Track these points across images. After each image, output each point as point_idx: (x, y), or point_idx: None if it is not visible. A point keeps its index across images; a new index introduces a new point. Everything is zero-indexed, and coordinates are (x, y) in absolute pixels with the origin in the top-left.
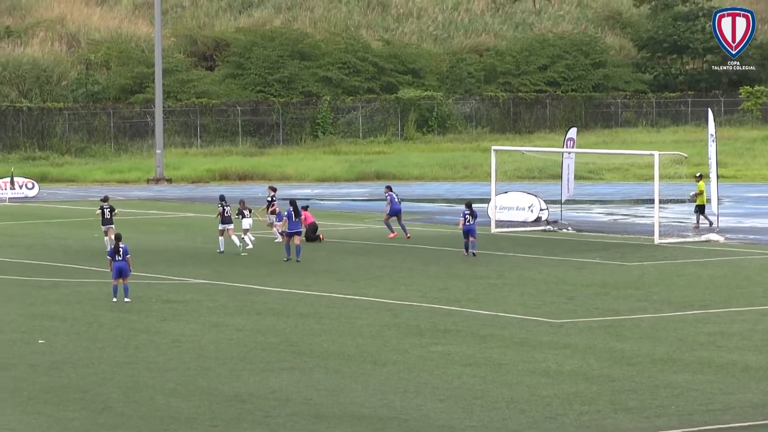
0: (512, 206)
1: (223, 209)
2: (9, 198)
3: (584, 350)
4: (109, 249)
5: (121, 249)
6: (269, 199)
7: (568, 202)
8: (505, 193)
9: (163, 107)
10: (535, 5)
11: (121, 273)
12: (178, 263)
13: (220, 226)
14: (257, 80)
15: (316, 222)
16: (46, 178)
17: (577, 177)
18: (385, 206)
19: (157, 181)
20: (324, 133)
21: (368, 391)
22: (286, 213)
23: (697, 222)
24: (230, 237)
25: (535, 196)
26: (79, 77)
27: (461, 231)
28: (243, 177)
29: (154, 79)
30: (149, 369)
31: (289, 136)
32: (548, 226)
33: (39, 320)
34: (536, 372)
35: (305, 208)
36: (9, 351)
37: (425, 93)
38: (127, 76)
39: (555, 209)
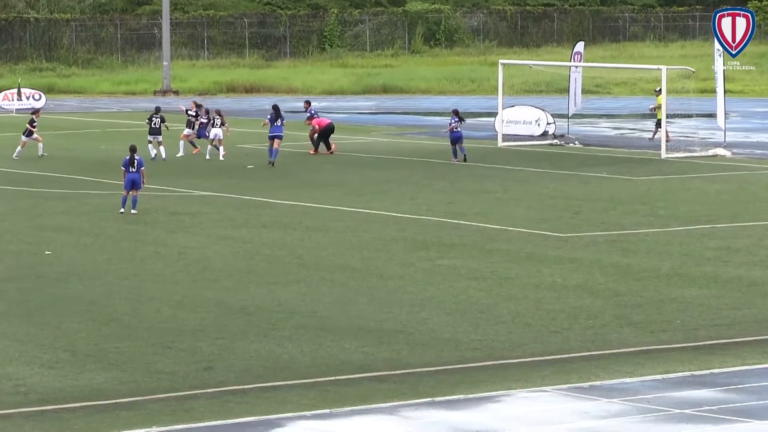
0: (519, 120)
1: (151, 120)
2: (16, 109)
3: (590, 265)
4: (124, 160)
5: (135, 161)
6: (193, 113)
7: (575, 116)
8: (512, 107)
9: (171, 19)
10: None
11: (133, 184)
12: (184, 175)
13: (149, 137)
14: None
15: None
16: (53, 89)
17: (584, 91)
18: (312, 121)
19: (164, 92)
20: (331, 46)
21: (374, 304)
22: (268, 117)
23: (654, 135)
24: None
25: (542, 110)
26: None
27: (449, 138)
28: (250, 89)
29: None
30: (155, 281)
31: (296, 49)
32: (555, 140)
33: (45, 231)
34: (542, 286)
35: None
36: (16, 262)
37: (433, 6)
38: None
39: (562, 123)
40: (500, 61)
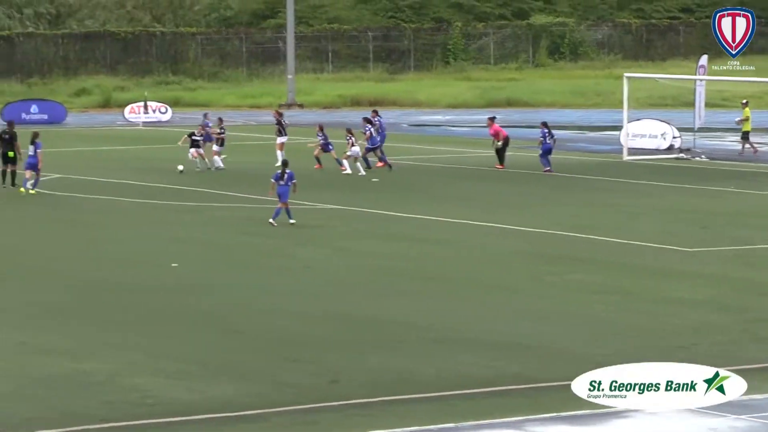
0: (645, 134)
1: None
2: (143, 122)
3: (717, 279)
4: (275, 173)
5: (286, 174)
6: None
7: (701, 129)
8: (638, 120)
9: (295, 32)
10: None
11: (281, 197)
12: (312, 188)
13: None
14: (388, 6)
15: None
16: (179, 102)
17: (710, 105)
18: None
19: (289, 106)
20: (455, 60)
21: (501, 318)
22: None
23: (743, 148)
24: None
25: (668, 123)
26: (212, 2)
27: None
28: (374, 103)
29: (286, 4)
30: (281, 293)
31: (420, 63)
32: (681, 154)
33: (173, 244)
34: (668, 301)
35: (492, 119)
36: (142, 274)
37: (557, 19)
38: (260, 0)
39: (688, 137)
40: (625, 74)
